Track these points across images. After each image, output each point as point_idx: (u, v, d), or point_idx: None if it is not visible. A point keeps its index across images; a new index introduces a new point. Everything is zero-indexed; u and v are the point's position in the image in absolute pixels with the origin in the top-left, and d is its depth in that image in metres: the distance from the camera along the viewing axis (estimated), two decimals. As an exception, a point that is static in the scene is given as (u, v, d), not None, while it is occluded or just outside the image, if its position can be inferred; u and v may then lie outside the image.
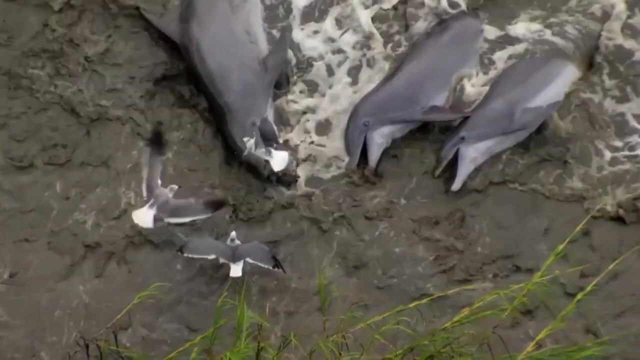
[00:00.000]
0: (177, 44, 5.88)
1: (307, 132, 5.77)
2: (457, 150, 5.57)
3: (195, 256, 5.13)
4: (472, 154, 5.58)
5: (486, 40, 5.97)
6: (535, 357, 4.48)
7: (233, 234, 5.12)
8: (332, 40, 6.00)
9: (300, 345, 4.53)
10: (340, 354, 4.40)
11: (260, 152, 5.46)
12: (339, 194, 5.56)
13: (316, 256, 5.35)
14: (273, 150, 5.48)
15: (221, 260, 5.13)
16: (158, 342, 5.05)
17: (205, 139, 5.69)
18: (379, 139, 5.64)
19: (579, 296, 4.55)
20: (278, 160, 5.47)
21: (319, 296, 4.71)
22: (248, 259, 5.11)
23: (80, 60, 5.81)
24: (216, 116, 5.72)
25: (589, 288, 4.57)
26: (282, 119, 5.79)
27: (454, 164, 5.56)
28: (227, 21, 5.90)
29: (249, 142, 5.45)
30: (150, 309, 5.11)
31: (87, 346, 4.80)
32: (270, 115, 5.69)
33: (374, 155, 5.63)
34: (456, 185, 5.55)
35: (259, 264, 5.12)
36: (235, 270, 5.08)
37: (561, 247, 4.52)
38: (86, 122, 5.65)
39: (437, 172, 5.61)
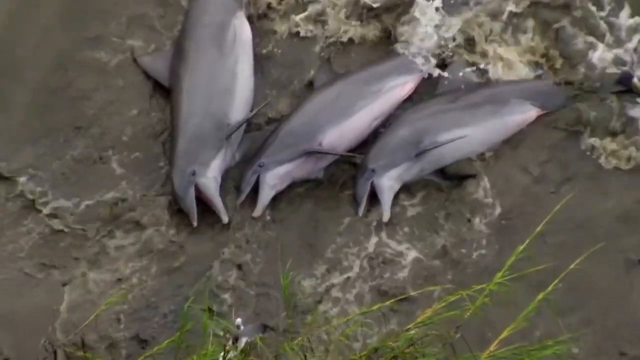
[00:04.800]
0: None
1: None
2: (372, 183, 5.59)
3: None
4: (387, 183, 5.61)
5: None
6: (498, 356, 4.54)
7: (239, 320, 5.05)
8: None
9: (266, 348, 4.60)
10: (305, 356, 4.44)
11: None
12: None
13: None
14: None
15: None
16: (124, 346, 5.10)
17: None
18: (272, 180, 5.57)
19: (540, 296, 4.60)
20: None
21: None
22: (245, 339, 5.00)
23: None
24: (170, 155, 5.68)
25: (549, 288, 4.61)
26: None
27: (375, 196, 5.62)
28: (212, 67, 5.81)
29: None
30: (118, 314, 5.16)
31: (55, 352, 4.85)
32: (216, 169, 5.59)
33: (263, 197, 5.56)
34: (387, 215, 5.59)
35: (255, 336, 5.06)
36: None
37: (521, 247, 4.58)
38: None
39: (361, 211, 5.61)
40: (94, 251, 5.41)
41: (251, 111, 5.82)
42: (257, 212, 5.56)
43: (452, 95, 5.92)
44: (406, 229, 5.60)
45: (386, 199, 5.62)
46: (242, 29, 5.99)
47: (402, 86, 5.93)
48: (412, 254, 5.52)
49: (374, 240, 5.56)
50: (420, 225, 5.62)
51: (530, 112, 5.92)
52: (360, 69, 6.00)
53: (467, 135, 5.68)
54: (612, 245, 5.39)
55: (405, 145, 5.68)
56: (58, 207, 5.51)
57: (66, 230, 5.45)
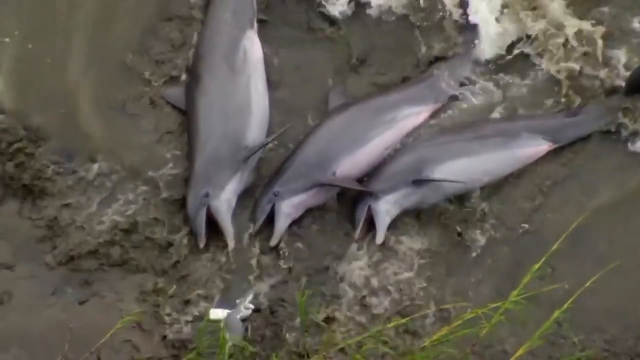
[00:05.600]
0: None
1: None
2: (370, 207, 5.55)
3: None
4: (384, 207, 5.56)
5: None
6: (515, 375, 4.55)
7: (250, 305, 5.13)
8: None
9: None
10: (322, 374, 4.47)
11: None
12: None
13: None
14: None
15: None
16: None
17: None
18: (287, 209, 5.53)
19: (556, 314, 4.60)
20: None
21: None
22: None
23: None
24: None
25: (565, 305, 4.62)
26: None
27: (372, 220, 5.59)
28: (226, 88, 5.80)
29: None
30: (134, 331, 5.17)
31: (71, 370, 4.88)
32: (231, 192, 5.57)
33: (279, 226, 5.52)
34: (380, 238, 5.55)
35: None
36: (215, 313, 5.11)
37: (537, 266, 4.58)
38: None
39: (357, 235, 5.58)
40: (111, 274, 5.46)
41: (267, 134, 5.80)
42: (274, 240, 5.53)
43: (462, 126, 5.92)
44: (412, 245, 5.60)
45: (381, 222, 5.56)
46: (253, 48, 5.99)
47: (417, 115, 5.93)
48: (420, 270, 5.53)
49: (381, 259, 5.57)
50: (425, 241, 5.63)
51: (541, 147, 5.87)
52: (374, 96, 6.00)
53: (464, 182, 5.63)
54: (627, 262, 5.38)
55: (404, 171, 5.64)
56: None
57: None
